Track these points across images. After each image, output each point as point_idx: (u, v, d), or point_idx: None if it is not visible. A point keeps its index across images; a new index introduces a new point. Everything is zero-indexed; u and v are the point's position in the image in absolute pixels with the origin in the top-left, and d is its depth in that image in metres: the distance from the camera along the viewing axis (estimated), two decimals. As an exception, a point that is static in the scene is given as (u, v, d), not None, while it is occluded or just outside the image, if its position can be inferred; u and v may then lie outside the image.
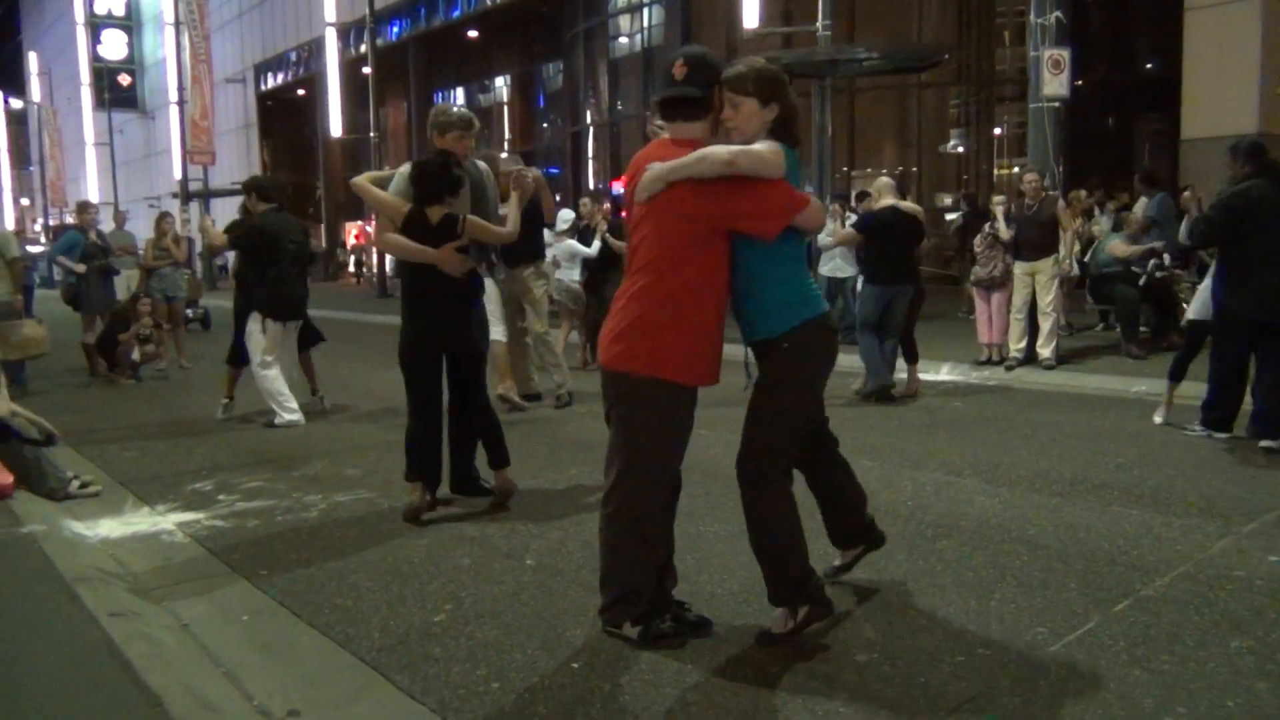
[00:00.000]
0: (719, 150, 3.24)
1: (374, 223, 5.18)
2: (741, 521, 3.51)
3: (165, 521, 5.25)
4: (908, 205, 8.65)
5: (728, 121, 3.35)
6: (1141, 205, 11.51)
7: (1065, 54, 11.60)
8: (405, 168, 5.16)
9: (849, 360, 10.21)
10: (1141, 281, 10.13)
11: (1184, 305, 10.40)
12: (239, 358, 8.12)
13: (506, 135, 31.28)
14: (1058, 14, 11.81)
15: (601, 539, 3.50)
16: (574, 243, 10.30)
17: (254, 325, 7.80)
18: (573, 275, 10.37)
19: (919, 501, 5.23)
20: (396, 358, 5.17)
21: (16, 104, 67.48)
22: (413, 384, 5.16)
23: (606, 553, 3.48)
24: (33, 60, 63.15)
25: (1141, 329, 10.38)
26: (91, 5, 49.15)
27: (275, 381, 7.80)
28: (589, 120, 26.05)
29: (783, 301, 3.39)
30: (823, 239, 11.15)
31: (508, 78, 31.87)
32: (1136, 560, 4.23)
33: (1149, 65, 18.56)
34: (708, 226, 3.29)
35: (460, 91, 34.14)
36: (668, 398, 3.38)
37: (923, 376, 9.63)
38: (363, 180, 5.25)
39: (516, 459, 5.42)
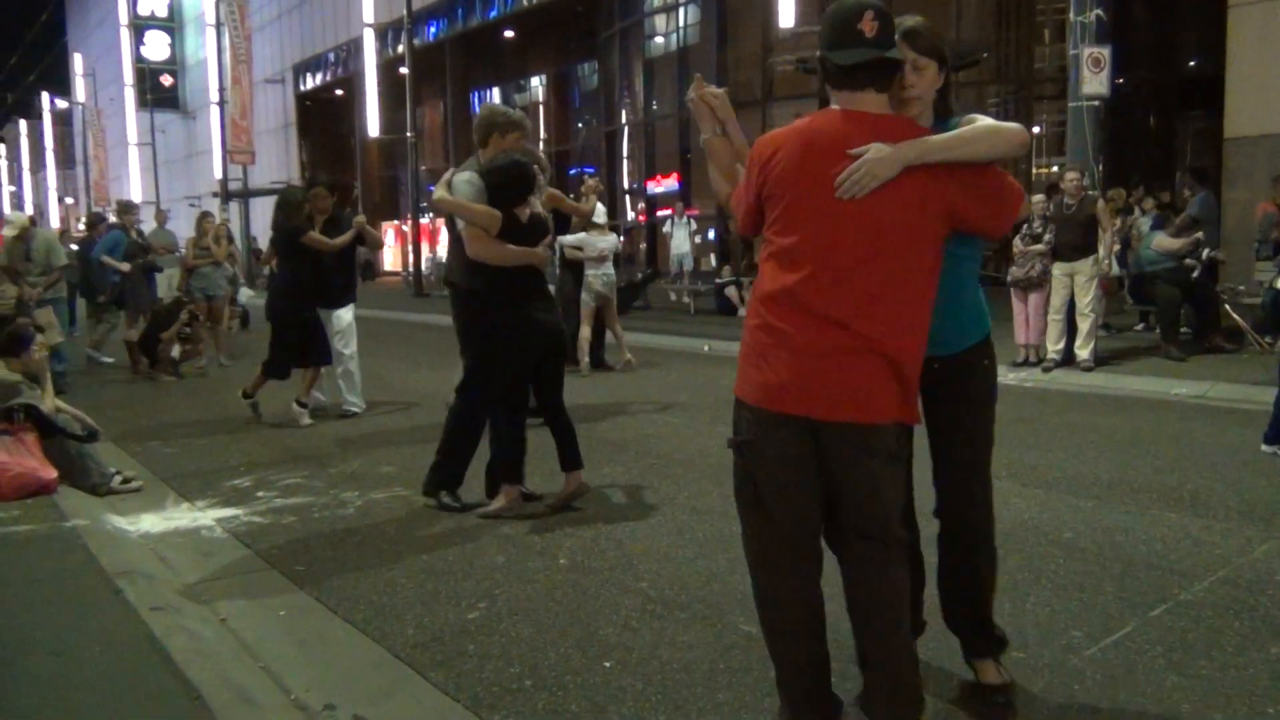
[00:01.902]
0: (1003, 127, 2.64)
1: (464, 232, 5.03)
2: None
3: (205, 517, 5.32)
4: None
5: (910, 89, 2.70)
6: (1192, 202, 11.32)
7: (1106, 52, 11.44)
8: (468, 175, 5.08)
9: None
10: (1195, 274, 9.97)
11: (1226, 307, 10.27)
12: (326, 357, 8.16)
13: (542, 135, 31.38)
14: (1098, 11, 11.65)
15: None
16: (601, 238, 10.06)
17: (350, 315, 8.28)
18: (607, 271, 10.21)
19: (954, 503, 5.18)
20: (462, 357, 5.30)
21: (62, 104, 68.67)
22: (518, 386, 5.16)
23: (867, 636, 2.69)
24: (78, 61, 64.18)
25: (1182, 330, 10.24)
26: (135, 7, 49.89)
27: None
28: (624, 120, 26.08)
29: (974, 304, 2.88)
30: None
31: (543, 77, 31.99)
32: (1174, 564, 4.18)
33: (1191, 63, 18.28)
34: (946, 225, 2.59)
35: (496, 91, 34.30)
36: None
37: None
38: (444, 192, 5.11)
39: (550, 460, 5.44)
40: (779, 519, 2.62)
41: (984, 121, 2.66)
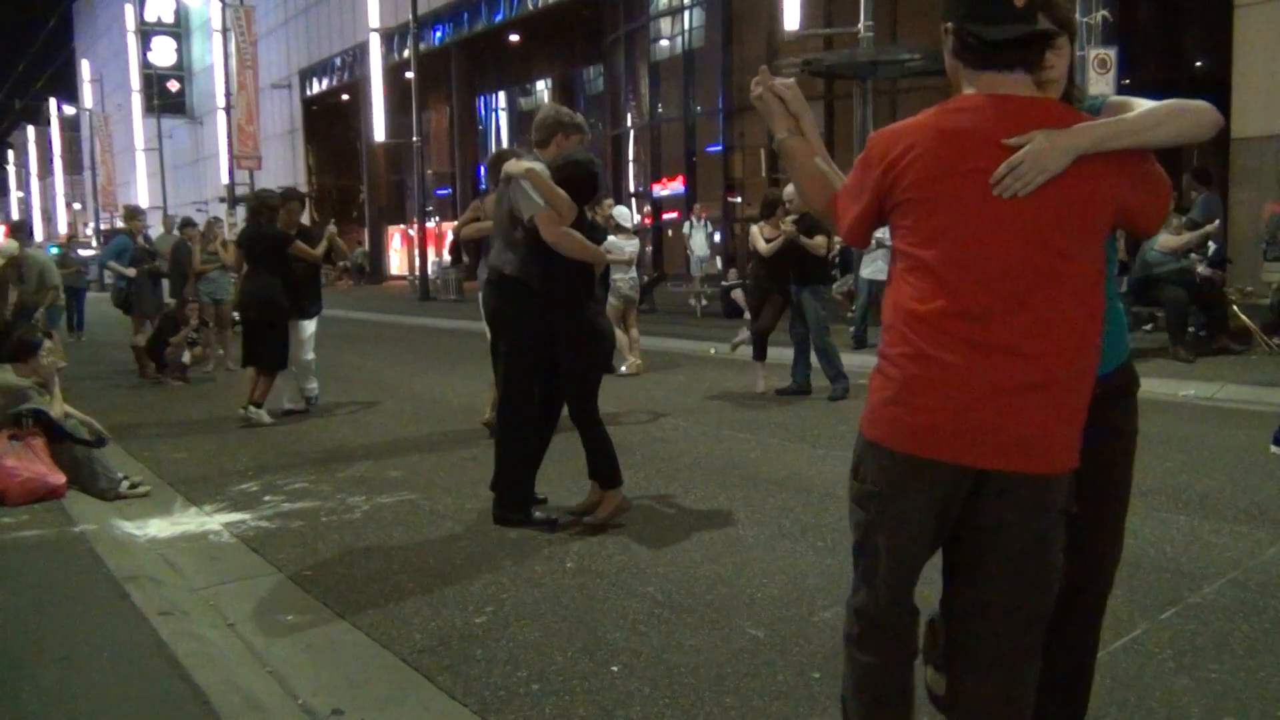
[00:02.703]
0: (1192, 106, 2.25)
1: (540, 216, 4.87)
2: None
3: (213, 522, 5.33)
4: None
5: (1049, 69, 2.26)
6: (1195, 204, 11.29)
7: (1112, 53, 11.45)
8: (541, 167, 4.88)
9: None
10: (1201, 268, 9.94)
11: (1234, 308, 10.23)
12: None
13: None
14: (1104, 12, 11.66)
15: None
16: (627, 242, 10.04)
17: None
18: (631, 275, 10.23)
19: (961, 506, 5.17)
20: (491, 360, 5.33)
21: (70, 110, 68.95)
22: (597, 388, 5.06)
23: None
24: (85, 67, 64.49)
25: (1189, 330, 10.20)
26: (142, 13, 50.15)
27: None
28: (630, 123, 26.11)
29: (1117, 317, 2.45)
30: (888, 237, 11.13)
31: (549, 81, 32.05)
32: (1184, 566, 4.16)
33: (1198, 63, 18.23)
34: (1111, 223, 2.19)
35: (502, 95, 34.40)
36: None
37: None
38: (531, 164, 4.89)
39: (561, 465, 5.43)
40: (900, 583, 2.23)
41: (1145, 102, 2.26)
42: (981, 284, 2.06)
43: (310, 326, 8.68)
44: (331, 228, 8.58)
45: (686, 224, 18.88)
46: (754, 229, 8.88)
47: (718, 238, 22.77)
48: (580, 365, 4.96)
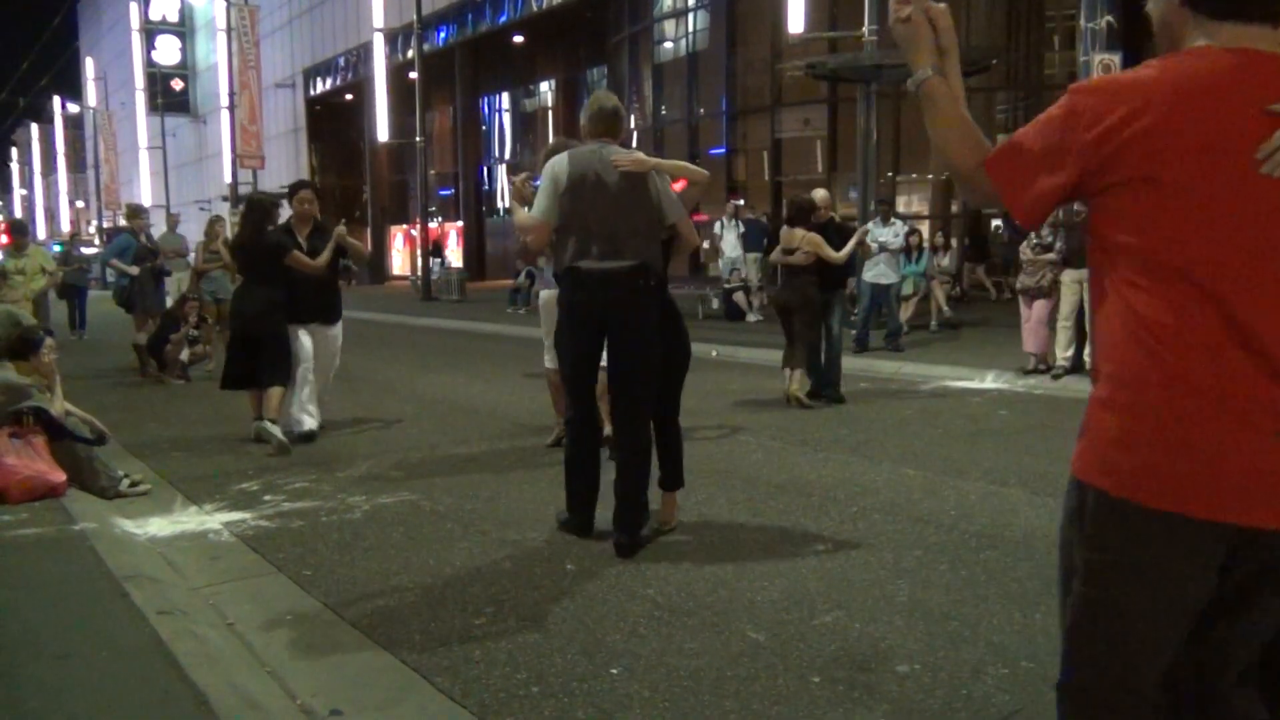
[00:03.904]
0: None
1: (683, 218, 4.72)
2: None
3: (212, 521, 5.32)
4: None
5: None
6: None
7: (1116, 58, 11.46)
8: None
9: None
10: None
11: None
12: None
13: (551, 140, 31.46)
14: (1109, 18, 11.67)
15: None
16: None
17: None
18: None
19: (963, 511, 5.17)
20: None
21: (73, 109, 69.06)
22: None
23: None
24: (89, 66, 64.64)
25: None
26: (146, 12, 50.24)
27: None
28: (633, 125, 26.11)
29: None
30: (891, 240, 11.17)
31: (553, 83, 32.08)
32: None
33: (1202, 69, 18.24)
34: None
35: (505, 96, 34.43)
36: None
37: (968, 384, 9.56)
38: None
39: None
40: (1143, 674, 1.79)
41: None
42: (1260, 290, 1.64)
43: (339, 333, 7.77)
44: (341, 228, 7.57)
45: (718, 223, 17.56)
46: (806, 235, 8.15)
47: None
48: (684, 358, 4.86)
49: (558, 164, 4.61)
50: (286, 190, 8.20)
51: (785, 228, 8.34)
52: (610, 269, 4.52)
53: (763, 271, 15.62)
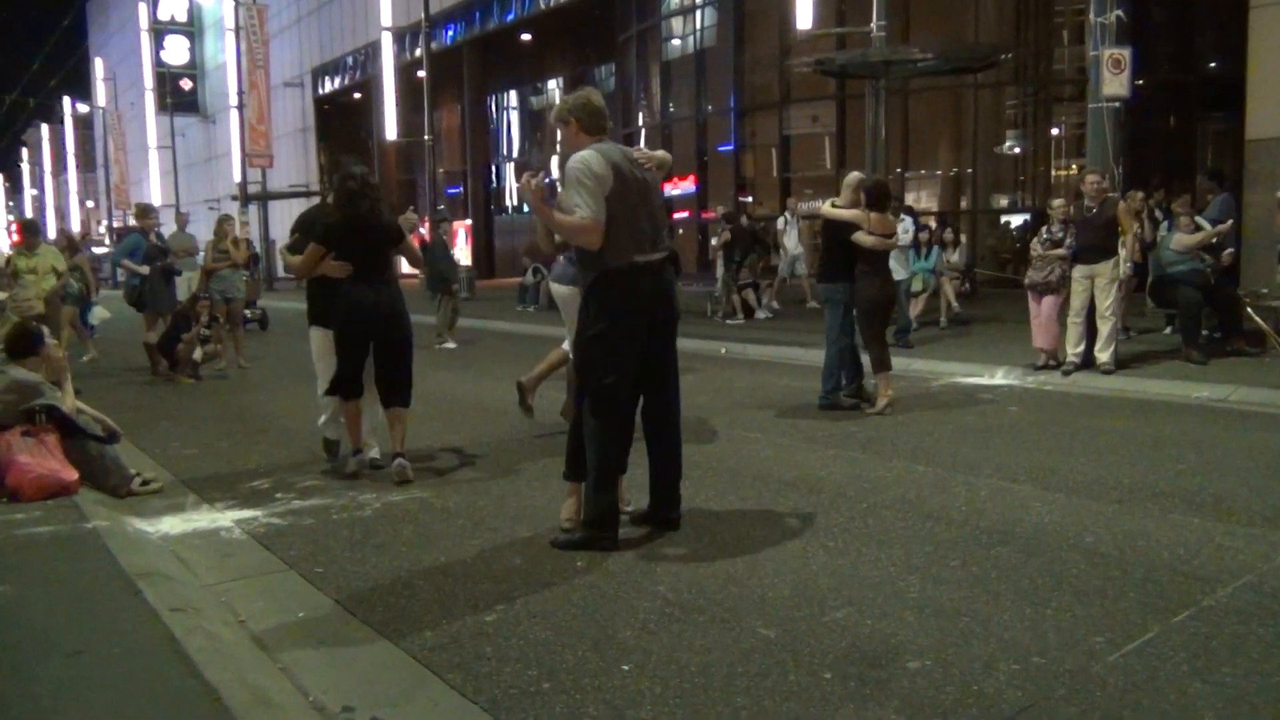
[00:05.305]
0: None
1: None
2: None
3: (224, 519, 5.34)
4: None
5: None
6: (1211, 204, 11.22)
7: (1126, 53, 11.37)
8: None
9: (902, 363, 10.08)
10: (1211, 270, 9.88)
11: (1249, 310, 10.17)
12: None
13: (559, 137, 31.45)
14: (1118, 12, 11.58)
15: None
16: None
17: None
18: None
19: (974, 507, 5.16)
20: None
21: (83, 108, 69.24)
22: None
23: None
24: (99, 66, 64.75)
25: (1204, 332, 10.15)
26: (155, 12, 50.33)
27: None
28: (641, 123, 26.08)
29: None
30: (900, 236, 11.14)
31: (560, 80, 32.07)
32: (1198, 570, 4.14)
33: (1212, 64, 18.15)
34: None
35: (513, 94, 34.44)
36: None
37: (979, 381, 9.54)
38: None
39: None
40: None
41: None
42: None
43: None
44: (411, 215, 6.08)
45: (781, 219, 17.11)
46: (864, 214, 7.71)
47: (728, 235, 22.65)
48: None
49: (597, 163, 4.61)
50: (296, 189, 8.10)
51: (865, 212, 7.73)
52: (658, 260, 4.82)
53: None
